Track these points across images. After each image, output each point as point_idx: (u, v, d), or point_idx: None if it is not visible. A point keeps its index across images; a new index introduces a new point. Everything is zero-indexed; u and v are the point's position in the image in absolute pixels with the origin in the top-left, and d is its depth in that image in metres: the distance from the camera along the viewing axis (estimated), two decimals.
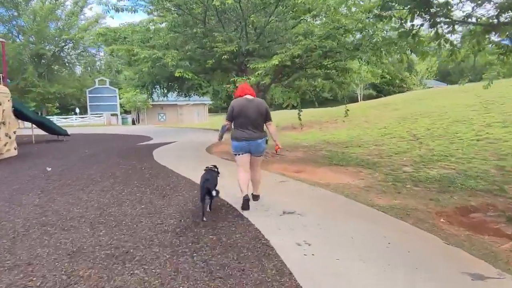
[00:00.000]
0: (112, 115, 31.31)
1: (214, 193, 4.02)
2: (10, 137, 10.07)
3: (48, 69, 25.95)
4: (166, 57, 6.57)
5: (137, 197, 5.04)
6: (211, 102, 21.94)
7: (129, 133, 19.12)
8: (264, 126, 4.46)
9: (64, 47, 25.66)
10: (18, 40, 24.24)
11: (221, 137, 4.60)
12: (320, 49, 6.57)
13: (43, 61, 25.44)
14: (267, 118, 4.39)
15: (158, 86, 18.39)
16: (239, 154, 4.34)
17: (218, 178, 4.48)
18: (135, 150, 11.12)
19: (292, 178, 6.22)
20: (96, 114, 29.31)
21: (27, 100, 24.42)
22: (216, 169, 4.54)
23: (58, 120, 31.55)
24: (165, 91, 19.20)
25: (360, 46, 6.73)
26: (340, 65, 8.23)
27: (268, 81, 6.49)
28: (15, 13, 23.65)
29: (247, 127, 4.26)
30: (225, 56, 6.65)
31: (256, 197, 4.62)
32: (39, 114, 26.68)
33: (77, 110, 30.55)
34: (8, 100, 10.15)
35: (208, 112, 41.69)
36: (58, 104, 41.72)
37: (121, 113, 37.23)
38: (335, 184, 5.78)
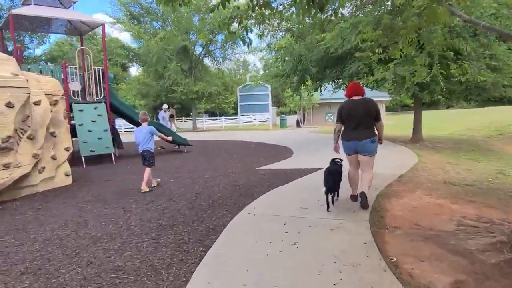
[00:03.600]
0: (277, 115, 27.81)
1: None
2: (54, 158, 6.46)
3: (194, 65, 23.65)
4: None
5: None
6: (388, 99, 14.82)
7: (272, 142, 14.12)
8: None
9: (212, 39, 22.63)
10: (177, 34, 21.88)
11: (336, 141, 4.59)
12: None
13: (191, 56, 23.25)
14: (376, 118, 4.35)
15: (306, 76, 12.75)
16: (349, 154, 4.50)
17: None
18: (232, 190, 5.86)
19: None
20: (247, 115, 26.10)
21: (195, 102, 22.22)
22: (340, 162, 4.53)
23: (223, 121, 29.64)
24: (317, 83, 13.42)
25: None
26: None
27: None
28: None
29: (356, 128, 4.33)
30: None
31: (363, 197, 4.31)
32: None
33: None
34: (57, 103, 6.57)
35: (386, 111, 33.59)
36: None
37: (282, 113, 33.54)
38: None
